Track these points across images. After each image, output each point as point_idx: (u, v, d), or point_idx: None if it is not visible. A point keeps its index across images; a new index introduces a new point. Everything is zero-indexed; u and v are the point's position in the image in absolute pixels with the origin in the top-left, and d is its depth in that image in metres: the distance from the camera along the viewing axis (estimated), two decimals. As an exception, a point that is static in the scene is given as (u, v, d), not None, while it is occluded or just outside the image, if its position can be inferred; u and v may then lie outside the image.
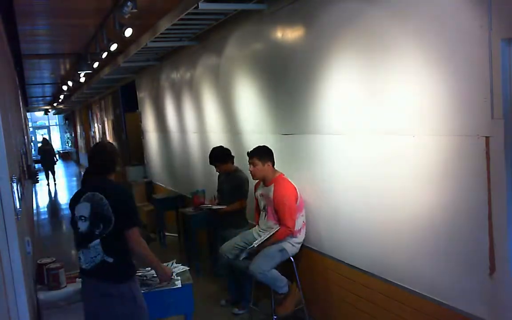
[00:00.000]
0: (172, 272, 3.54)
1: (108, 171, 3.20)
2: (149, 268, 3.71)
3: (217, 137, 6.04)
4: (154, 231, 7.97)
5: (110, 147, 3.42)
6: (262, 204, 4.38)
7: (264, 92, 4.72)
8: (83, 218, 3.03)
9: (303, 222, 4.18)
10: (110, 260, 3.01)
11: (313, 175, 4.08)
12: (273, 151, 4.37)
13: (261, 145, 4.41)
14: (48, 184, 16.79)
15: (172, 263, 4.04)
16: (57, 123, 34.06)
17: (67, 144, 32.26)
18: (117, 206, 3.02)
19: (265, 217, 4.31)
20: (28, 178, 7.17)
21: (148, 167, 10.30)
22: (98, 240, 3.00)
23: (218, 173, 5.27)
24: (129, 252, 3.10)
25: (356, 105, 3.43)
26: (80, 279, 3.27)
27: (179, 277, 3.75)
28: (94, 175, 3.23)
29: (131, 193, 3.78)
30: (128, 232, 3.03)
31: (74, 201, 3.14)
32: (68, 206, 3.32)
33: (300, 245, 4.21)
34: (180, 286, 3.65)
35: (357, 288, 3.64)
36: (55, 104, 21.32)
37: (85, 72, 8.28)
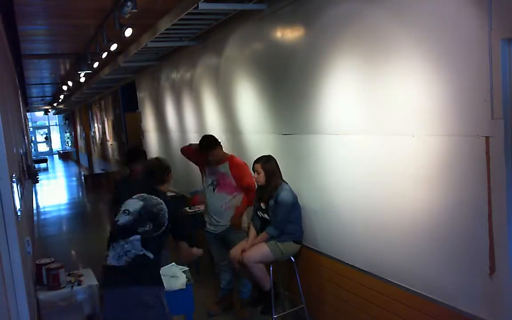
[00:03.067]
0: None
1: (160, 182, 3.29)
2: None
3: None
4: None
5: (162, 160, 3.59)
6: (210, 181, 4.69)
7: (264, 92, 4.72)
8: (126, 211, 2.98)
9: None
10: (151, 255, 2.92)
11: (312, 175, 4.08)
12: (273, 151, 4.37)
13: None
14: None
15: (172, 263, 4.05)
16: (57, 123, 34.08)
17: (67, 144, 32.27)
18: (172, 219, 3.03)
19: (214, 191, 4.64)
20: (28, 178, 7.17)
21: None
22: (138, 236, 2.92)
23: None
24: (165, 252, 3.17)
25: (356, 105, 3.43)
26: (103, 280, 3.05)
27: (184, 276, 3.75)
28: (140, 182, 3.33)
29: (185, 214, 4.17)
30: (179, 243, 3.13)
31: (124, 196, 3.14)
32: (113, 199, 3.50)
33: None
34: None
35: (357, 288, 3.64)
36: (55, 104, 21.31)
37: (85, 72, 8.26)
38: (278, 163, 4.29)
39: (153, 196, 3.05)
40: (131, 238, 2.90)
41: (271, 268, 4.07)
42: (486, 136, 2.46)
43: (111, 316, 2.89)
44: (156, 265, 2.99)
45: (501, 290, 2.49)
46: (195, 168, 7.10)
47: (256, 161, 4.23)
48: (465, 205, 2.63)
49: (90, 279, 4.16)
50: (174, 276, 3.71)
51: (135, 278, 2.87)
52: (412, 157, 2.96)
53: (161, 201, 3.03)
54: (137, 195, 3.06)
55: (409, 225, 3.06)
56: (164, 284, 3.11)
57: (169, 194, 5.86)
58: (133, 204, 3.00)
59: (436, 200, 2.82)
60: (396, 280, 3.22)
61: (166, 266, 4.02)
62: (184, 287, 3.67)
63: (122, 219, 2.96)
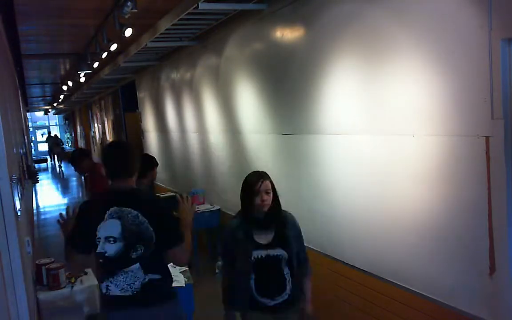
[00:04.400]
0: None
1: (131, 174, 2.61)
2: None
3: (217, 137, 6.05)
4: None
5: (131, 145, 2.86)
6: None
7: (264, 92, 4.72)
8: (111, 239, 2.46)
9: None
10: (158, 276, 2.54)
11: (312, 175, 4.08)
12: (273, 151, 4.36)
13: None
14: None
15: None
16: (57, 123, 34.08)
17: (67, 144, 32.27)
18: (158, 223, 2.50)
19: None
20: (28, 178, 7.17)
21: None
22: (137, 265, 2.49)
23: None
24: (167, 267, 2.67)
25: (356, 105, 3.43)
26: (107, 308, 2.59)
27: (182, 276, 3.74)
28: (114, 180, 2.60)
29: (163, 202, 3.10)
30: (174, 249, 2.54)
31: (92, 216, 2.52)
32: (77, 218, 2.61)
33: None
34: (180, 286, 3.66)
35: (357, 288, 3.64)
36: (55, 104, 21.32)
37: (85, 72, 8.27)
38: (278, 163, 4.30)
39: (126, 208, 2.48)
40: (130, 268, 2.50)
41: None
42: (486, 136, 2.46)
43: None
44: (166, 281, 2.62)
45: (501, 290, 2.49)
46: (195, 168, 7.13)
47: (262, 177, 2.84)
48: (465, 205, 2.63)
49: (90, 279, 4.16)
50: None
51: (147, 303, 2.54)
52: (412, 157, 2.96)
53: (136, 212, 2.47)
54: (109, 211, 2.47)
55: (409, 225, 3.06)
56: None
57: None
58: (111, 226, 2.47)
59: (436, 200, 2.82)
60: (396, 280, 3.22)
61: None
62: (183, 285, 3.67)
63: (110, 249, 2.47)
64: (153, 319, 2.55)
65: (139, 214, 2.47)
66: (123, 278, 2.50)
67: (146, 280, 2.51)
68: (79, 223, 2.57)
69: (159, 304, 2.56)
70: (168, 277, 2.66)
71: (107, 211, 2.48)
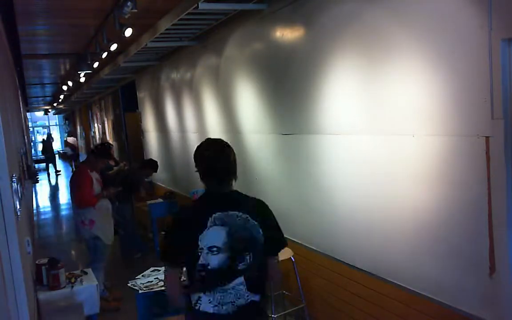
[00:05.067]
0: None
1: (233, 179, 2.34)
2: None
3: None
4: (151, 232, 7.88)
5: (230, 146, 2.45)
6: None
7: (264, 92, 4.72)
8: (214, 249, 2.19)
9: None
10: (257, 298, 2.28)
11: (312, 175, 4.08)
12: (273, 151, 4.35)
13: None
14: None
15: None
16: (57, 123, 34.07)
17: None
18: (266, 227, 2.30)
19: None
20: (28, 178, 7.17)
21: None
22: (241, 279, 2.23)
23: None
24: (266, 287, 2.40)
25: (356, 105, 3.43)
26: None
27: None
28: (211, 185, 2.35)
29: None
30: (276, 257, 2.38)
31: (190, 226, 2.25)
32: (173, 231, 2.35)
33: None
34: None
35: (357, 288, 3.64)
36: (55, 104, 21.32)
37: (85, 72, 8.27)
38: (278, 163, 4.29)
39: (235, 212, 2.23)
40: (233, 284, 2.23)
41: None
42: (486, 136, 2.46)
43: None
44: (264, 306, 2.38)
45: (501, 290, 2.49)
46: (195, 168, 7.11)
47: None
48: (465, 205, 2.63)
49: (90, 279, 4.16)
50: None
51: None
52: (412, 157, 2.96)
53: (247, 215, 2.24)
54: (212, 217, 2.21)
55: (409, 225, 3.06)
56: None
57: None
58: (215, 236, 2.20)
59: (436, 200, 2.82)
60: (396, 280, 3.22)
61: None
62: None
63: (213, 260, 2.19)
64: None
65: (249, 218, 2.24)
66: (221, 296, 2.23)
67: (248, 300, 2.25)
68: (175, 235, 2.31)
69: None
70: (266, 302, 2.41)
71: (210, 218, 2.22)
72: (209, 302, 2.22)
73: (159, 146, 9.13)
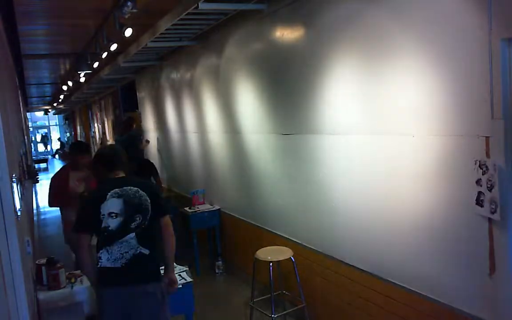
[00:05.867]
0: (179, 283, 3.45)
1: (123, 168, 3.21)
2: None
3: (217, 137, 6.05)
4: None
5: (117, 146, 3.57)
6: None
7: (264, 92, 4.72)
8: (113, 214, 2.97)
9: None
10: (146, 251, 3.00)
11: (312, 175, 4.08)
12: (273, 151, 4.36)
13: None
14: None
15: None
16: (57, 123, 34.08)
17: (67, 144, 32.26)
18: (153, 197, 3.07)
19: None
20: (28, 178, 7.17)
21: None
22: (133, 234, 2.98)
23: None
24: (159, 243, 3.11)
25: (356, 105, 3.43)
26: (100, 281, 3.02)
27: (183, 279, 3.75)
28: (108, 174, 3.16)
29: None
30: (164, 218, 3.12)
31: (95, 200, 3.03)
32: (83, 207, 3.22)
33: None
34: (180, 286, 3.66)
35: (357, 288, 3.64)
36: (55, 104, 21.32)
37: (85, 72, 8.27)
38: (278, 163, 4.29)
39: (128, 186, 3.04)
40: (127, 237, 2.96)
41: (270, 267, 4.06)
42: (486, 136, 2.46)
43: (113, 313, 2.93)
44: (153, 260, 3.04)
45: (501, 290, 2.49)
46: (195, 168, 7.13)
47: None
48: (465, 205, 2.63)
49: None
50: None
51: (134, 278, 2.96)
52: (412, 157, 2.96)
53: (136, 188, 3.04)
54: (111, 192, 3.00)
55: (409, 225, 3.06)
56: None
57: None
58: (113, 204, 2.98)
59: (436, 200, 2.82)
60: (396, 280, 3.22)
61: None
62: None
63: (112, 223, 2.96)
64: (136, 298, 2.94)
65: (139, 190, 3.03)
66: (119, 247, 2.96)
67: (137, 252, 2.97)
68: (85, 208, 3.13)
69: (144, 283, 2.96)
70: (156, 258, 3.06)
71: (108, 193, 2.99)
72: (107, 260, 2.95)
73: (159, 146, 9.13)
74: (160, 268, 3.13)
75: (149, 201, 3.04)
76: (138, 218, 2.99)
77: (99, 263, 2.97)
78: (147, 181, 3.37)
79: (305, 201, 4.23)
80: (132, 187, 3.04)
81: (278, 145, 4.59)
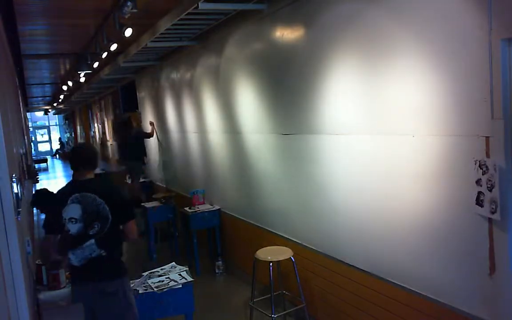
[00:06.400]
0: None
1: (91, 167, 3.23)
2: (149, 278, 3.76)
3: (217, 137, 6.05)
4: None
5: (90, 145, 3.61)
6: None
7: (264, 92, 4.72)
8: (73, 220, 3.06)
9: None
10: (104, 253, 3.12)
11: (313, 175, 4.08)
12: (273, 151, 4.35)
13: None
14: None
15: (172, 264, 4.05)
16: (57, 123, 34.07)
17: (67, 144, 32.24)
18: (113, 204, 3.11)
19: None
20: (28, 178, 7.16)
21: (148, 167, 10.29)
22: (92, 240, 3.09)
23: None
24: (121, 245, 3.24)
25: (356, 105, 3.43)
26: (71, 277, 3.32)
27: (181, 277, 3.75)
28: (75, 173, 3.22)
29: (120, 187, 3.88)
30: (127, 225, 3.19)
31: (57, 202, 3.12)
32: (42, 206, 3.44)
33: None
34: (180, 286, 3.66)
35: (357, 288, 3.64)
36: (55, 104, 21.31)
37: (85, 72, 8.27)
38: (278, 163, 4.28)
39: (86, 193, 3.08)
40: (87, 243, 3.09)
41: (270, 267, 4.06)
42: (486, 136, 2.46)
43: (83, 307, 3.08)
44: (111, 259, 3.17)
45: (501, 290, 2.49)
46: (195, 168, 7.13)
47: None
48: (465, 205, 2.63)
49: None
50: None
51: (94, 275, 3.12)
52: (412, 157, 2.96)
53: (94, 195, 3.07)
54: (70, 198, 3.07)
55: (409, 225, 3.06)
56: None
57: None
58: (73, 210, 3.06)
59: (436, 200, 2.82)
60: (396, 280, 3.22)
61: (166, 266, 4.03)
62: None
63: (72, 228, 3.06)
64: (101, 289, 3.10)
65: (96, 197, 3.08)
66: (82, 251, 3.10)
67: (96, 254, 3.10)
68: (49, 211, 3.24)
69: (102, 281, 3.10)
70: (116, 256, 3.20)
71: (69, 198, 3.08)
72: (74, 259, 3.12)
73: (159, 146, 9.13)
74: (124, 266, 3.25)
75: (107, 209, 3.10)
76: (96, 226, 3.09)
77: (70, 261, 3.16)
78: (110, 185, 3.36)
79: (305, 201, 4.23)
80: (91, 194, 3.09)
81: (278, 145, 4.59)
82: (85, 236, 3.08)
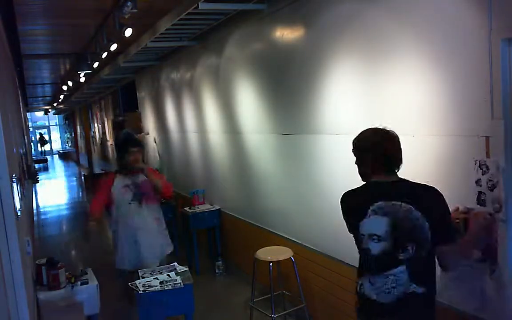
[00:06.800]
0: None
1: (398, 167, 2.38)
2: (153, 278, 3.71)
3: (217, 137, 6.05)
4: None
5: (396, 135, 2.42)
6: (130, 195, 4.10)
7: (264, 92, 4.72)
8: (375, 238, 2.26)
9: None
10: (420, 290, 2.21)
11: (312, 175, 4.08)
12: (273, 151, 4.35)
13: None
14: None
15: (173, 264, 4.05)
16: (57, 123, 34.09)
17: (67, 144, 32.28)
18: (435, 218, 2.20)
19: (141, 203, 4.11)
20: (28, 178, 7.17)
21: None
22: (403, 267, 2.21)
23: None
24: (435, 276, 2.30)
25: (356, 105, 3.43)
26: (357, 307, 2.54)
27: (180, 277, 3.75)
28: (374, 174, 2.40)
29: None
30: (447, 247, 2.23)
31: (355, 211, 2.39)
32: (344, 212, 2.56)
33: None
34: (180, 286, 3.66)
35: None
36: (55, 104, 21.33)
37: (85, 72, 8.28)
38: (278, 163, 4.28)
39: (398, 202, 2.21)
40: (394, 271, 2.23)
41: (270, 267, 4.06)
42: (486, 136, 2.46)
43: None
44: (429, 299, 2.26)
45: (501, 290, 2.49)
46: (195, 168, 7.13)
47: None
48: (465, 204, 2.63)
49: (90, 279, 4.16)
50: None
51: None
52: (412, 157, 2.96)
53: (410, 206, 2.18)
54: (372, 207, 2.27)
55: (409, 225, 3.05)
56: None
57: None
58: (376, 224, 2.25)
59: (436, 200, 2.82)
60: (396, 280, 3.22)
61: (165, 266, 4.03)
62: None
63: (373, 247, 2.27)
64: None
65: (413, 209, 2.18)
66: (383, 280, 2.25)
67: (410, 291, 2.20)
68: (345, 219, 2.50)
69: None
70: (434, 295, 2.29)
71: (370, 207, 2.27)
72: (371, 289, 2.31)
73: (159, 146, 9.13)
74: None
75: (427, 226, 2.21)
76: (410, 248, 2.21)
77: (361, 289, 2.47)
78: (427, 186, 2.31)
79: (305, 201, 4.23)
80: (404, 204, 2.22)
81: (278, 145, 4.59)
82: (393, 260, 2.23)
